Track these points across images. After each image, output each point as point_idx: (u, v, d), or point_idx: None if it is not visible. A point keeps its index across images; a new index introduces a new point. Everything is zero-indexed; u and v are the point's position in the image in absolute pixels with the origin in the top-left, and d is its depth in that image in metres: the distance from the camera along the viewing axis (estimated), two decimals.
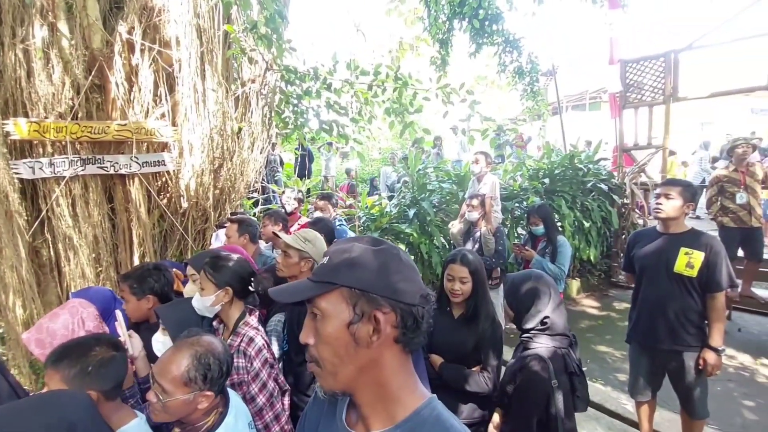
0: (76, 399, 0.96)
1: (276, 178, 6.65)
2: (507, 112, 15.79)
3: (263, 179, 4.63)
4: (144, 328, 2.03)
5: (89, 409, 0.96)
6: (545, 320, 1.68)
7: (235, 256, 1.82)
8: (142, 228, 3.42)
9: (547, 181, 5.66)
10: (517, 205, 5.52)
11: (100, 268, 3.43)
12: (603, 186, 6.17)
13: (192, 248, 3.53)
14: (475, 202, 3.96)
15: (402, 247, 4.97)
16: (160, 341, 1.74)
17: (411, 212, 5.06)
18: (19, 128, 3.04)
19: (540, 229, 3.78)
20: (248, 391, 1.57)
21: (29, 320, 3.40)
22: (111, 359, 1.23)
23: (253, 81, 3.50)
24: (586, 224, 5.72)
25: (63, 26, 3.20)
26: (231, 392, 1.35)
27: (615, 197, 6.13)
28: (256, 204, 5.18)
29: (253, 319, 1.72)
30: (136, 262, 3.42)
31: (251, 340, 1.62)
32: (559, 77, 9.03)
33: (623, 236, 6.09)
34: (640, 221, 6.15)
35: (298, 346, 1.90)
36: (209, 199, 3.50)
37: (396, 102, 3.36)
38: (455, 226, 4.16)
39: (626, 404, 3.25)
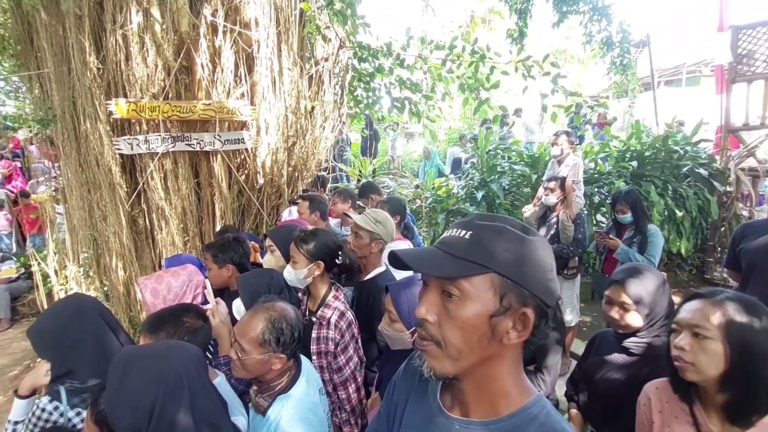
0: (188, 352, 1.05)
1: (344, 158, 6.76)
2: (587, 89, 14.52)
3: (333, 158, 4.72)
4: (225, 295, 2.17)
5: (195, 362, 1.05)
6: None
7: (325, 232, 1.88)
8: (223, 202, 3.64)
9: (635, 164, 5.12)
10: (597, 190, 5.08)
11: (186, 238, 3.73)
12: (702, 171, 5.45)
13: (267, 222, 3.71)
14: (553, 184, 3.69)
15: None
16: (239, 307, 1.85)
17: (479, 194, 4.88)
18: (119, 108, 3.34)
19: (627, 217, 3.43)
20: (335, 361, 1.65)
21: (128, 281, 3.82)
22: (200, 329, 1.35)
23: (326, 59, 3.52)
24: (679, 213, 5.11)
25: (155, 11, 3.43)
26: (303, 359, 1.40)
27: (716, 184, 5.40)
28: (324, 183, 5.30)
29: (340, 294, 1.79)
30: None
31: (342, 314, 1.70)
32: (652, 48, 8.06)
33: (722, 228, 5.37)
34: (745, 212, 5.36)
35: (365, 323, 1.92)
36: (283, 176, 3.63)
37: (471, 77, 3.19)
38: (529, 210, 3.92)
39: None
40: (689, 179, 5.46)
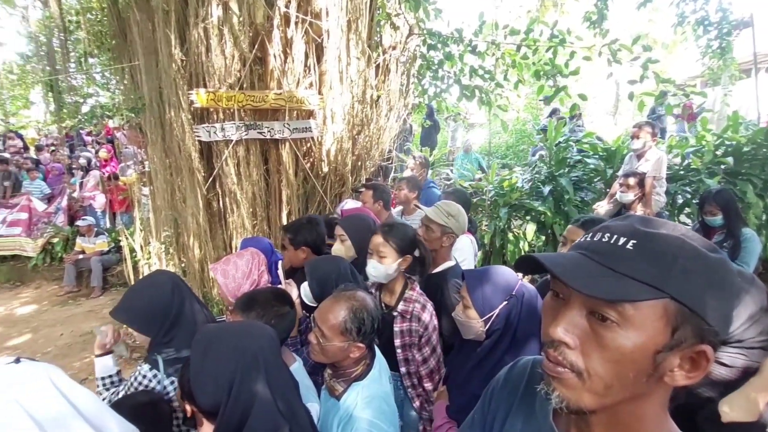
0: (264, 332, 1.11)
1: (405, 148, 6.73)
2: (672, 76, 13.19)
3: (395, 148, 4.71)
4: (297, 276, 2.25)
5: (270, 342, 1.09)
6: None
7: (406, 225, 1.88)
8: (290, 188, 3.77)
9: (730, 160, 4.57)
10: (682, 188, 4.61)
11: (255, 221, 3.92)
12: None
13: (330, 210, 3.79)
14: (631, 180, 3.42)
15: (532, 226, 4.62)
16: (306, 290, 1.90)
17: (546, 189, 4.63)
18: (200, 97, 3.55)
19: (717, 219, 3.09)
20: (420, 353, 1.66)
21: (203, 259, 4.11)
22: (287, 314, 1.41)
23: (394, 48, 3.48)
24: None
25: (234, 4, 3.58)
26: (376, 348, 1.41)
27: None
28: (387, 172, 5.29)
29: (416, 286, 1.79)
30: (284, 218, 3.81)
31: (424, 306, 1.70)
32: (756, 30, 7.09)
33: None
34: None
35: None
36: (347, 165, 3.68)
37: (549, 63, 2.99)
38: (602, 207, 3.68)
39: None
40: None
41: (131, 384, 1.48)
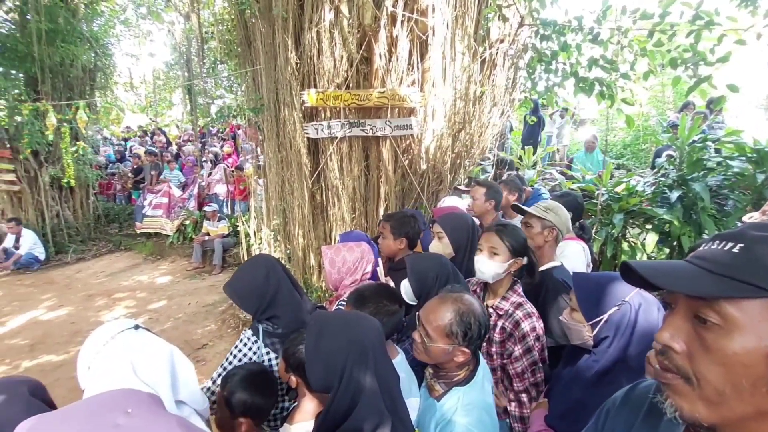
0: (373, 324, 1.14)
1: (505, 146, 6.42)
2: None
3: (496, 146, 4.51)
4: (389, 268, 2.29)
5: (378, 335, 1.13)
6: None
7: (518, 227, 1.83)
8: (388, 184, 3.85)
9: None
10: None
11: (353, 215, 4.09)
12: None
13: (426, 207, 3.79)
14: None
15: (653, 236, 4.07)
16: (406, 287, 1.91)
17: (674, 195, 4.02)
18: (310, 97, 3.80)
19: None
20: (512, 351, 1.61)
21: (306, 248, 4.42)
22: (395, 312, 1.45)
23: (502, 41, 3.32)
24: None
25: (344, 7, 3.76)
26: (481, 356, 1.37)
27: None
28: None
29: (519, 288, 1.74)
30: (381, 213, 3.91)
31: (519, 304, 1.65)
32: None
33: None
34: None
35: None
36: (446, 163, 3.63)
37: (689, 49, 2.57)
38: (752, 218, 3.07)
39: None
40: None
41: (236, 346, 1.65)
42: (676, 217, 3.88)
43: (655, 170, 4.69)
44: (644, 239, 4.08)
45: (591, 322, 1.28)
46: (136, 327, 1.16)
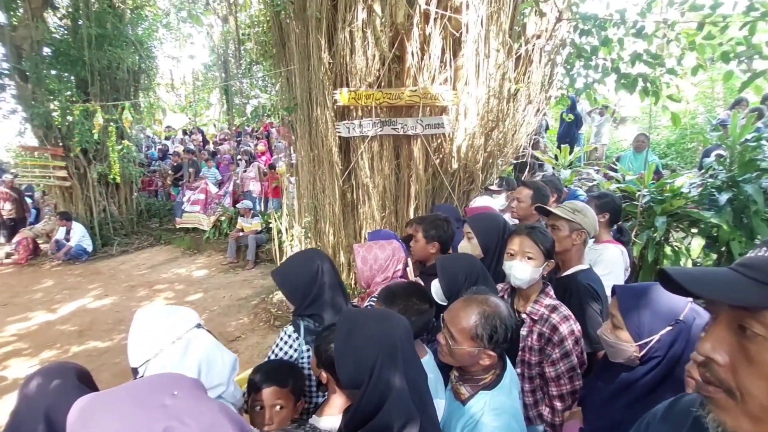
0: (402, 322, 1.14)
1: (542, 144, 6.23)
2: None
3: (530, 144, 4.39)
4: (421, 271, 2.28)
5: (407, 334, 1.12)
6: None
7: (547, 230, 1.80)
8: (419, 183, 3.84)
9: None
10: None
11: (383, 214, 4.10)
12: None
13: (457, 207, 3.74)
14: None
15: (699, 241, 3.84)
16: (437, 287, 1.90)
17: (723, 197, 3.78)
18: (342, 96, 3.83)
19: None
20: (549, 356, 1.57)
21: (336, 245, 4.47)
22: (425, 311, 1.44)
23: (539, 36, 3.23)
24: None
25: (377, 7, 3.76)
26: (507, 360, 1.34)
27: None
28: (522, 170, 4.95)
29: (550, 290, 1.69)
30: (411, 213, 3.90)
31: (555, 308, 1.61)
32: None
33: None
34: None
35: None
36: (478, 162, 3.57)
37: (743, 42, 2.40)
38: None
39: None
40: None
41: (276, 344, 1.68)
42: (725, 220, 3.65)
43: (703, 171, 4.43)
44: (689, 244, 3.86)
45: (640, 343, 1.19)
46: (198, 326, 1.24)
